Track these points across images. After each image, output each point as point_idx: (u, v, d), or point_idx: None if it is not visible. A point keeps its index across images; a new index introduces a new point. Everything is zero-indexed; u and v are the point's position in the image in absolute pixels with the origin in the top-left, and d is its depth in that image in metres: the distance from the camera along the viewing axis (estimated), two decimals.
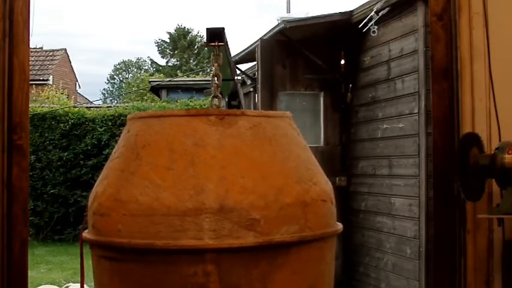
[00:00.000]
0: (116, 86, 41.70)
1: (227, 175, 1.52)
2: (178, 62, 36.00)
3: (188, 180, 1.51)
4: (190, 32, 36.47)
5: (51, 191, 11.57)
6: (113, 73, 42.41)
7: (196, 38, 36.06)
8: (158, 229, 1.50)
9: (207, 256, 1.48)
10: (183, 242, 1.48)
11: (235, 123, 1.59)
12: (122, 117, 11.58)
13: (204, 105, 12.20)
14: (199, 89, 13.92)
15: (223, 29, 1.86)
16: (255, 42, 7.54)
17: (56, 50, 23.74)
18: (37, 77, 20.21)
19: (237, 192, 1.50)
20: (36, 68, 21.16)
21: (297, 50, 7.10)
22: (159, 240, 1.49)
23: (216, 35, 1.82)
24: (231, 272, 1.50)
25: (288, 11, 12.12)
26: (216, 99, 1.79)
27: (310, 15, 7.58)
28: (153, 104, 14.13)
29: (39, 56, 22.54)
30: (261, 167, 1.56)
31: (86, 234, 1.68)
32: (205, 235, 1.48)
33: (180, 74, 28.39)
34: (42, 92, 17.05)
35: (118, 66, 42.25)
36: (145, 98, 22.54)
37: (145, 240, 1.50)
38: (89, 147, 11.64)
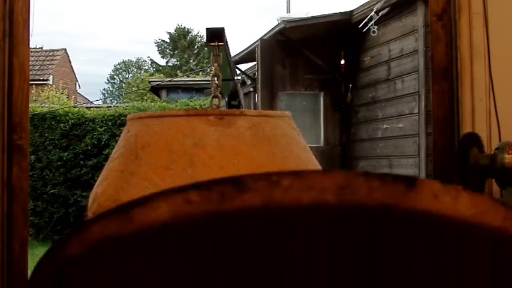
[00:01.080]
0: (116, 86, 41.71)
1: (226, 176, 1.51)
2: (178, 62, 36.01)
3: (187, 180, 1.50)
4: (190, 32, 36.49)
5: (51, 191, 11.56)
6: (112, 73, 42.43)
7: (196, 38, 36.07)
8: None
9: None
10: None
11: (235, 123, 1.59)
12: (122, 117, 11.56)
13: (204, 105, 12.18)
14: (199, 89, 13.89)
15: (223, 29, 1.86)
16: (255, 42, 7.55)
17: (56, 50, 23.75)
18: (37, 77, 20.21)
19: None
20: (36, 68, 21.16)
21: (297, 50, 7.11)
22: None
23: (216, 35, 1.82)
24: None
25: (288, 11, 12.12)
26: (216, 99, 1.79)
27: (310, 15, 7.58)
28: (153, 104, 14.11)
29: (39, 56, 22.54)
30: (259, 168, 1.55)
31: None
32: None
33: (180, 74, 28.39)
34: (42, 92, 17.05)
35: (118, 66, 42.28)
36: (145, 98, 22.55)
37: None
38: (89, 147, 11.64)
